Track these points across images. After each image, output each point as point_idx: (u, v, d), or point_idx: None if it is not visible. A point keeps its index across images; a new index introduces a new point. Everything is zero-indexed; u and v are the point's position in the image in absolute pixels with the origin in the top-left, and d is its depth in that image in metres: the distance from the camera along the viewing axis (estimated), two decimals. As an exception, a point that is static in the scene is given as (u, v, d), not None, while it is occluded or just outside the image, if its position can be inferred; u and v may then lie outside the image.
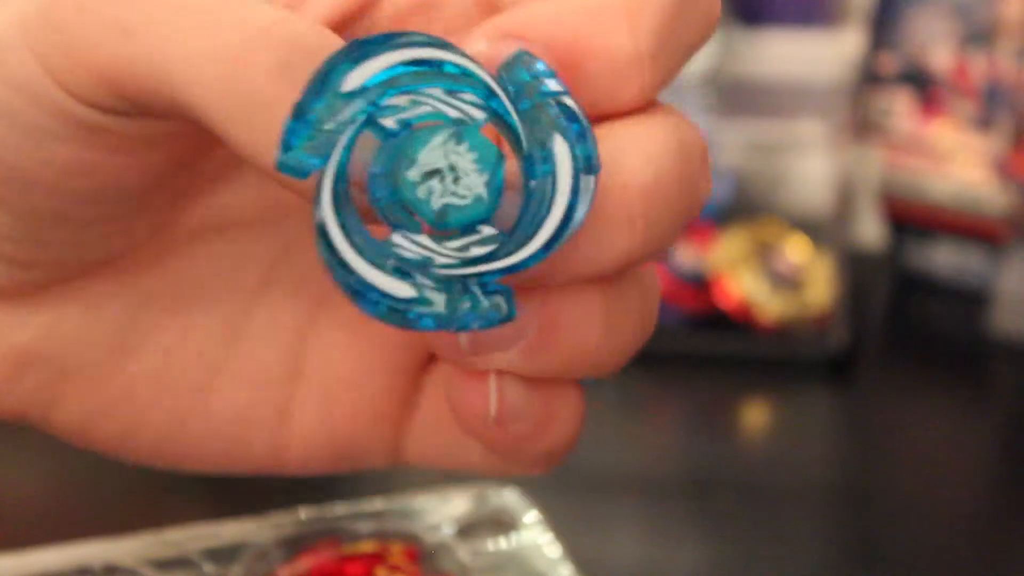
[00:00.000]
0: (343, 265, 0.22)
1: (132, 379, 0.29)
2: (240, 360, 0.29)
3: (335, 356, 0.29)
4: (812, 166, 0.75)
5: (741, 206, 0.72)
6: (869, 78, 0.74)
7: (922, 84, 0.72)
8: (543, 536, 0.37)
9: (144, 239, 0.28)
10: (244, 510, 0.37)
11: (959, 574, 0.51)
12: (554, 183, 0.22)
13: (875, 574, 0.50)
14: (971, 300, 0.69)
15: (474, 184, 0.22)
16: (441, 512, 0.37)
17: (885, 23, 0.73)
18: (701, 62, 0.76)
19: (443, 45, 0.22)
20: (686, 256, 0.67)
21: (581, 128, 0.23)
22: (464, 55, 0.22)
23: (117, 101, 0.23)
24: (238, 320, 0.29)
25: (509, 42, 0.23)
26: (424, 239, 0.22)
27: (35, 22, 0.24)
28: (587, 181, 0.22)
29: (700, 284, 0.67)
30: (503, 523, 0.37)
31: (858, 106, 0.75)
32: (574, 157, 0.22)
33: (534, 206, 0.22)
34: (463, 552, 0.36)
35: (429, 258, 0.23)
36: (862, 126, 0.74)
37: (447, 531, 0.37)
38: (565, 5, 0.24)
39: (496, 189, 0.22)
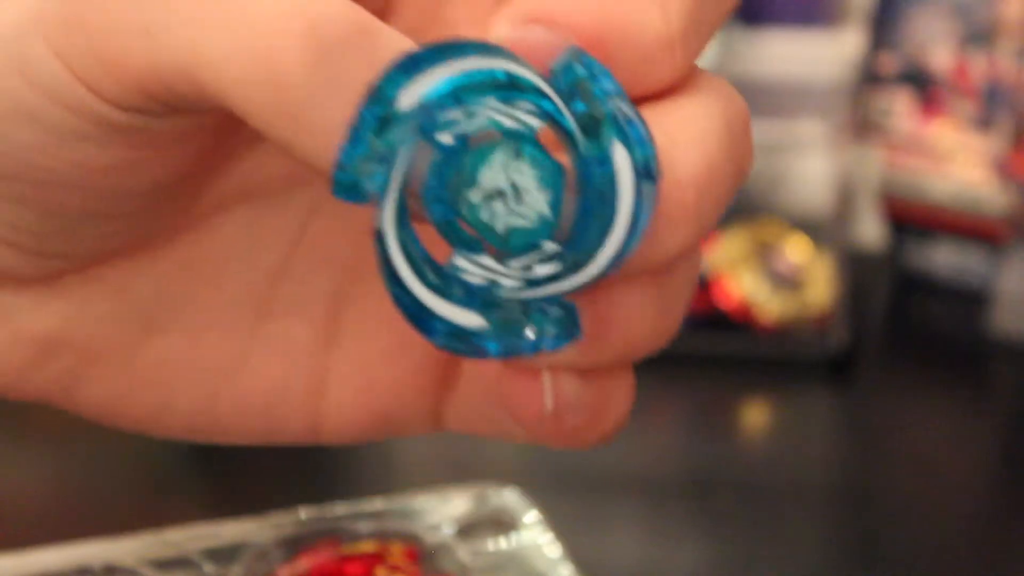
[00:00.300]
0: (401, 286, 0.22)
1: (159, 359, 0.28)
2: (271, 334, 0.28)
3: (372, 327, 0.28)
4: (812, 166, 0.75)
5: (741, 206, 0.72)
6: (869, 78, 0.74)
7: (922, 84, 0.72)
8: (543, 536, 0.37)
9: (169, 222, 0.27)
10: (244, 510, 0.37)
11: (959, 574, 0.51)
12: (614, 188, 0.22)
13: (875, 574, 0.50)
14: (971, 300, 0.69)
15: (537, 202, 0.21)
16: (441, 512, 0.37)
17: (885, 23, 0.73)
18: (701, 62, 0.76)
19: (494, 52, 0.21)
20: (686, 256, 0.67)
21: (639, 130, 0.22)
22: (515, 60, 0.21)
23: (147, 103, 0.22)
24: (266, 293, 0.28)
25: (533, 26, 0.22)
26: (487, 260, 0.22)
27: (54, 21, 0.22)
28: (649, 188, 0.22)
29: (700, 284, 0.66)
30: (503, 523, 0.37)
31: (858, 106, 0.75)
32: (633, 160, 0.22)
33: (594, 212, 0.22)
34: (463, 552, 0.36)
35: (495, 282, 0.22)
36: (862, 126, 0.74)
37: (447, 531, 0.37)
38: None
39: (559, 204, 0.22)
